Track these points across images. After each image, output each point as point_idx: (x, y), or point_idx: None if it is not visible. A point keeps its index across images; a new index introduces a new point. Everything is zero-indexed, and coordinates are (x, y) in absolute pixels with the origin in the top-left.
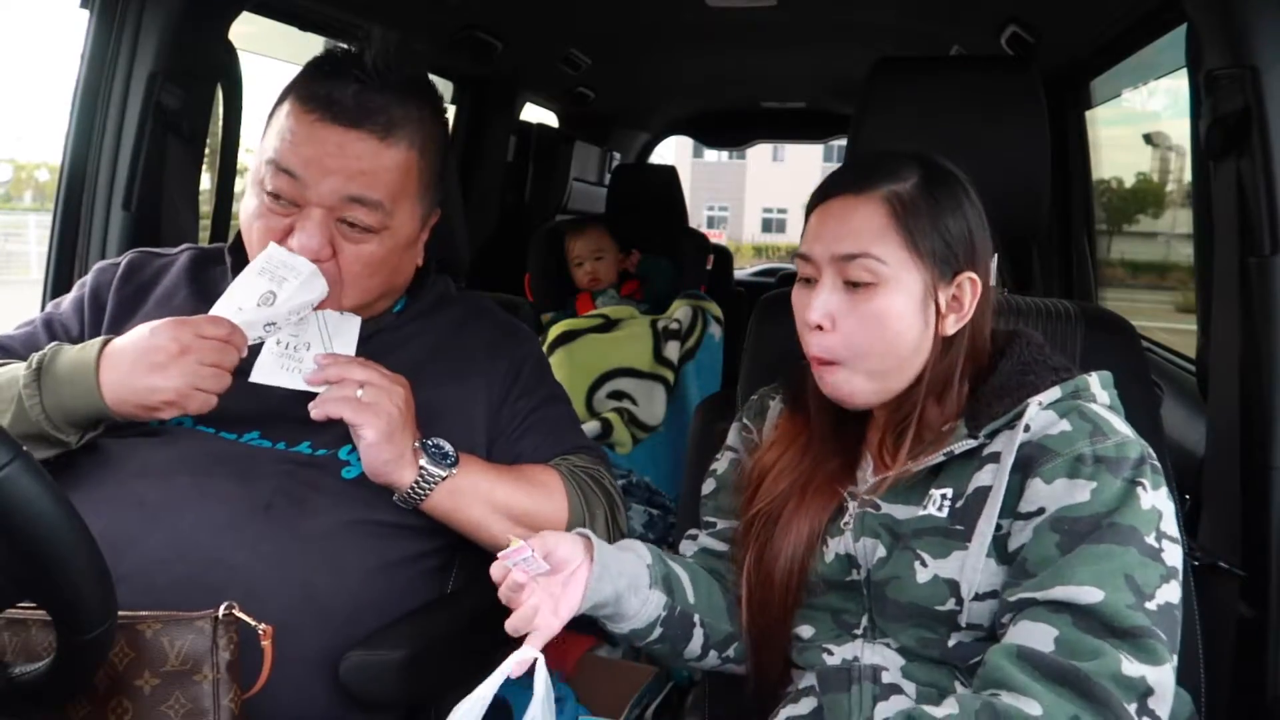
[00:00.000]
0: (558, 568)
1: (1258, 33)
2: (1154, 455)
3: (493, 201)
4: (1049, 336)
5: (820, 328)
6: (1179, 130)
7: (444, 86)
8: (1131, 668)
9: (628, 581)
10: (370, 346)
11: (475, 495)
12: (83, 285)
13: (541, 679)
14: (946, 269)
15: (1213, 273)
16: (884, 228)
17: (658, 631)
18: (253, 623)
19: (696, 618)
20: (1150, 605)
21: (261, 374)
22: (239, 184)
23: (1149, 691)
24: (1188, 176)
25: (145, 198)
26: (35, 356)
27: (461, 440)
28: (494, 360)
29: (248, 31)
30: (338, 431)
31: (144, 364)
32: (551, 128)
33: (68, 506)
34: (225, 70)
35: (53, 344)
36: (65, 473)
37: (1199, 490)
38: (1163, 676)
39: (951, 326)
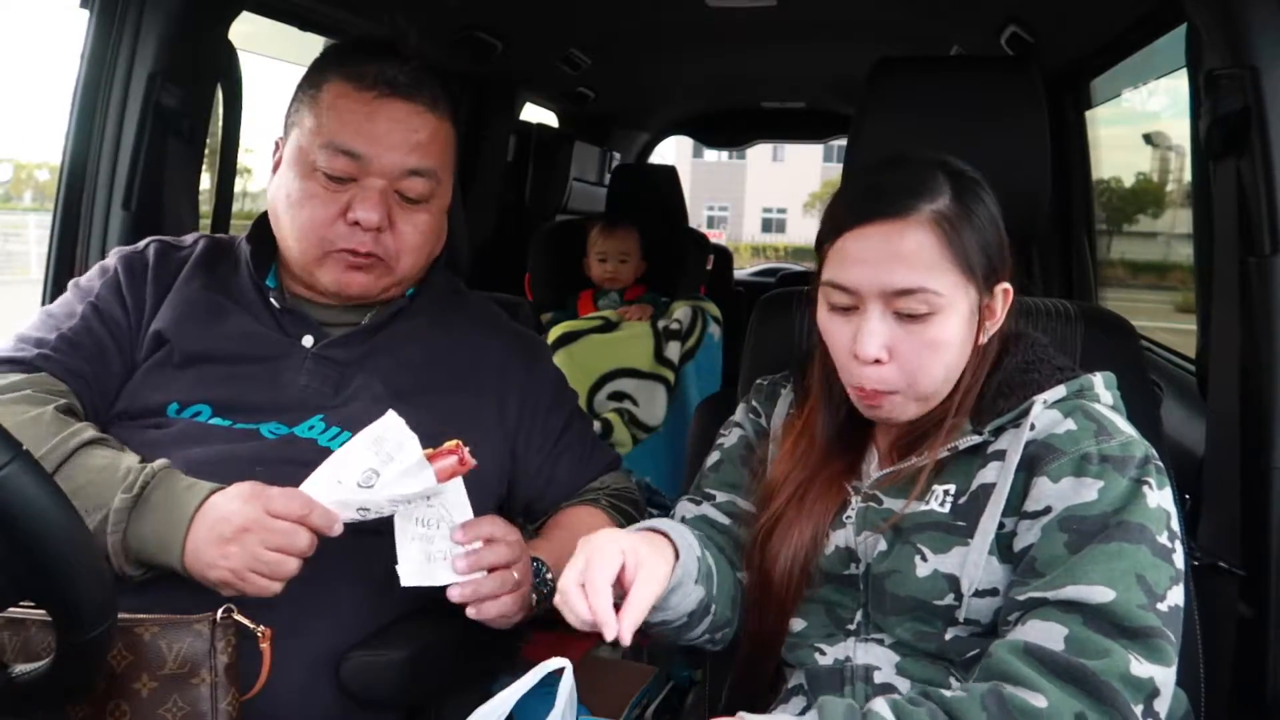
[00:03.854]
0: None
1: (1258, 33)
2: (1157, 456)
3: (492, 201)
4: (1049, 336)
5: (879, 361)
6: (1179, 130)
7: None
8: (1140, 668)
9: (680, 577)
10: (381, 338)
11: None
12: (108, 271)
13: (567, 687)
14: (990, 282)
15: (1213, 273)
16: (938, 257)
17: (682, 620)
18: (251, 625)
19: (714, 608)
20: (1162, 606)
21: (411, 578)
22: (239, 184)
23: (1155, 692)
24: (1188, 176)
25: (145, 198)
26: (140, 475)
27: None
28: (515, 372)
29: (248, 31)
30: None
31: (213, 534)
32: (551, 128)
33: (68, 506)
34: (225, 70)
35: (160, 464)
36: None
37: (1199, 490)
38: (1168, 677)
39: (985, 336)
